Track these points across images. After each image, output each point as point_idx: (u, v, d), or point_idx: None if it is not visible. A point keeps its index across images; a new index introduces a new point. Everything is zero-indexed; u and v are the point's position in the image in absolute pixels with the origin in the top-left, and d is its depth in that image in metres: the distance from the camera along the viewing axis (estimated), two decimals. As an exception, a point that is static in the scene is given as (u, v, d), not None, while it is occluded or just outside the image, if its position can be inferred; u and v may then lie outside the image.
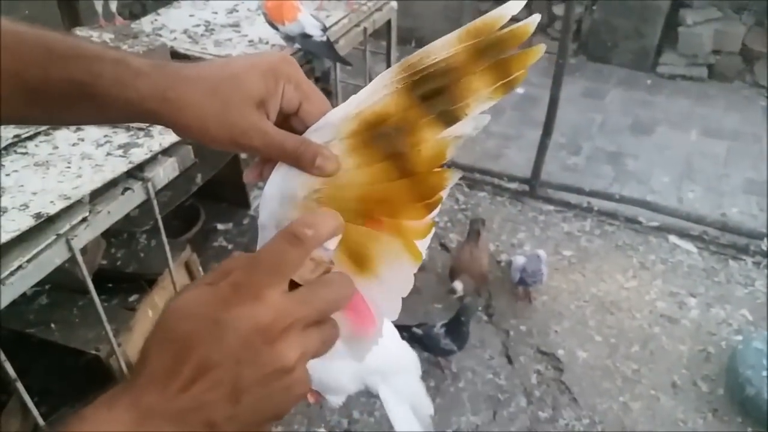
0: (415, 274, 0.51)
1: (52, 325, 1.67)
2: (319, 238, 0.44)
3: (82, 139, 1.41)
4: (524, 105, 3.98)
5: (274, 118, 0.52)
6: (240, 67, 0.51)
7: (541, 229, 3.00)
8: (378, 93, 0.48)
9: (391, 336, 0.85)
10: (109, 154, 1.36)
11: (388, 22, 2.33)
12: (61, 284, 1.71)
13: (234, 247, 2.58)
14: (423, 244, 0.52)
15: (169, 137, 1.41)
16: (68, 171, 1.31)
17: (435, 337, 2.19)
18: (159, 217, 1.44)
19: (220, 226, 2.72)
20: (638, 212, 3.01)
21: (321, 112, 0.52)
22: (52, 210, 1.18)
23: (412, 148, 0.47)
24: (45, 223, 1.17)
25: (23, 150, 1.37)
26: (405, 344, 0.91)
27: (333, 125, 0.50)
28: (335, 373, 0.88)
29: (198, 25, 2.03)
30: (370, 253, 0.49)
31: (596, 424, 2.16)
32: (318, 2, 2.15)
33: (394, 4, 2.30)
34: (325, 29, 1.81)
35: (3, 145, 1.36)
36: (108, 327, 1.41)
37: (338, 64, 2.05)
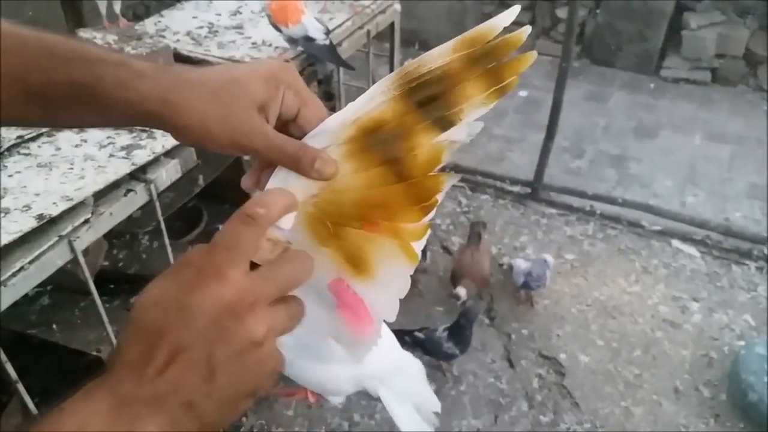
0: (417, 277, 0.51)
1: (54, 326, 1.67)
2: (271, 215, 0.45)
3: (85, 141, 1.42)
4: (527, 108, 3.98)
5: (273, 122, 0.52)
6: (242, 72, 0.52)
7: (543, 232, 2.99)
8: (375, 100, 0.49)
9: (387, 340, 0.86)
10: (111, 155, 1.36)
11: (392, 25, 2.33)
12: (62, 285, 1.71)
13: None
14: (418, 246, 0.52)
15: (172, 139, 1.41)
16: (71, 172, 1.31)
17: (437, 341, 2.18)
18: (161, 218, 1.44)
19: (222, 228, 2.72)
20: (641, 216, 3.01)
21: (319, 119, 0.53)
22: (55, 211, 1.18)
23: (408, 153, 0.49)
24: (47, 225, 1.17)
25: (26, 151, 1.37)
26: (404, 351, 0.91)
27: (330, 131, 0.51)
28: (333, 375, 0.88)
29: (201, 27, 2.03)
30: (367, 256, 0.50)
31: (598, 429, 2.15)
32: (322, 4, 2.15)
33: (398, 6, 2.30)
34: (328, 33, 1.81)
35: (6, 146, 1.36)
36: (109, 328, 1.41)
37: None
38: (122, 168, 1.33)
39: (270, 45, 1.92)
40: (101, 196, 1.28)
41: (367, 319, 0.53)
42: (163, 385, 0.38)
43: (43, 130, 1.42)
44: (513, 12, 0.48)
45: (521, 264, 2.52)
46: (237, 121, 0.50)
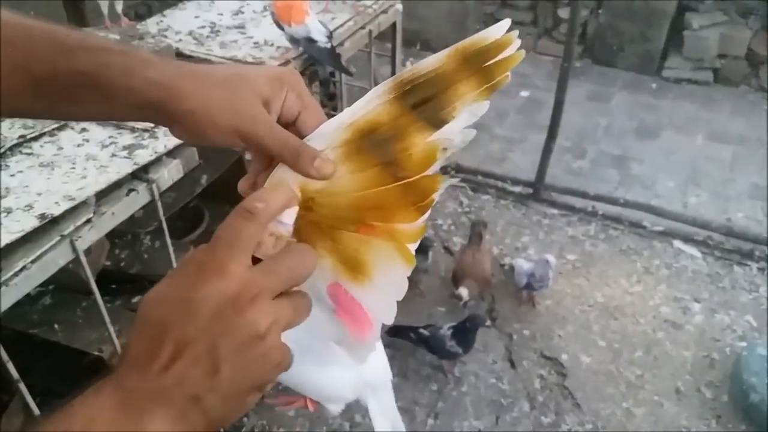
0: (418, 278, 0.51)
1: (56, 326, 1.67)
2: (271, 210, 0.45)
3: (87, 140, 1.41)
4: (529, 108, 3.98)
5: (275, 121, 0.53)
6: (248, 69, 0.53)
7: (545, 232, 2.99)
8: (371, 104, 0.50)
9: (380, 350, 0.86)
10: (113, 155, 1.36)
11: (393, 25, 2.33)
12: (64, 285, 1.71)
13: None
14: (412, 247, 0.53)
15: (174, 139, 1.40)
16: (73, 172, 1.30)
17: (441, 338, 2.19)
18: (163, 218, 1.44)
19: (222, 224, 2.72)
20: (643, 216, 3.00)
21: (317, 124, 0.53)
22: (57, 211, 1.18)
23: (402, 153, 0.49)
24: (49, 224, 1.17)
25: (28, 150, 1.37)
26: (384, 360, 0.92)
27: (326, 134, 0.51)
28: (334, 380, 0.88)
29: (203, 27, 2.03)
30: (363, 259, 0.50)
31: (599, 430, 2.15)
32: (323, 4, 2.15)
33: (400, 6, 2.30)
34: (330, 36, 1.81)
35: (8, 145, 1.36)
36: (111, 328, 1.41)
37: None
38: (124, 168, 1.32)
39: (272, 45, 1.92)
40: (103, 195, 1.28)
41: (365, 322, 0.53)
42: (168, 379, 0.38)
43: (46, 129, 1.42)
44: (504, 24, 0.50)
45: (523, 265, 2.52)
46: (243, 107, 0.50)
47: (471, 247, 2.51)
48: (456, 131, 0.50)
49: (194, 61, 1.81)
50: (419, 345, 2.29)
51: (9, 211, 1.17)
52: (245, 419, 2.14)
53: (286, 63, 1.81)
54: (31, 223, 1.15)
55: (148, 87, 0.49)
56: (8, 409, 1.55)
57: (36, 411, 1.29)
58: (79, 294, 1.71)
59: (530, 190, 3.19)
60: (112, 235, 1.80)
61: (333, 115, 0.53)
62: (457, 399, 2.25)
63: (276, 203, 0.46)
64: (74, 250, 1.20)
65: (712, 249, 2.88)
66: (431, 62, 0.50)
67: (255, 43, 1.94)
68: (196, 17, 2.11)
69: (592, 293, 2.66)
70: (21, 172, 1.30)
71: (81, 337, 1.63)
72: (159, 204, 1.39)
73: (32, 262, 1.13)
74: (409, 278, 0.52)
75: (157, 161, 1.38)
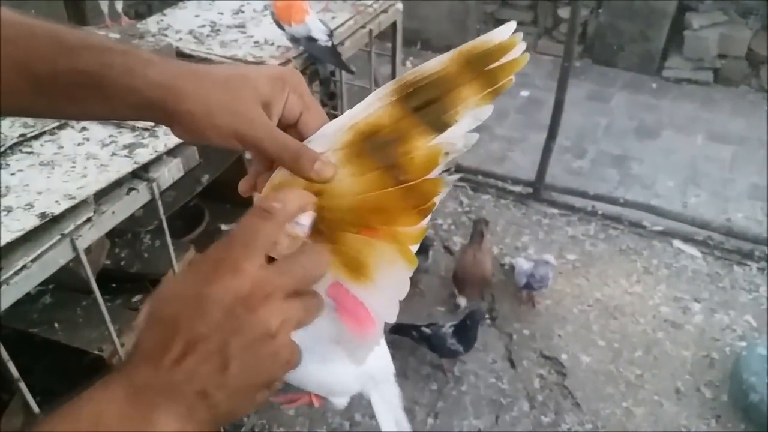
0: (418, 277, 0.51)
1: (56, 325, 1.67)
2: (288, 211, 0.46)
3: (88, 139, 1.41)
4: (529, 108, 3.98)
5: (275, 122, 0.52)
6: (249, 69, 0.52)
7: (545, 232, 2.99)
8: (372, 106, 0.50)
9: (383, 344, 0.86)
10: (114, 154, 1.36)
11: (394, 24, 2.33)
12: (64, 284, 1.71)
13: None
14: (414, 248, 0.53)
15: (174, 138, 1.40)
16: (73, 171, 1.30)
17: (442, 336, 2.20)
18: (163, 217, 1.44)
19: (224, 227, 2.72)
20: (643, 216, 3.01)
21: (318, 125, 0.53)
22: (57, 210, 1.18)
23: (404, 156, 0.49)
24: (49, 223, 1.17)
25: (28, 149, 1.37)
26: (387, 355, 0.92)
27: (328, 136, 0.51)
28: (338, 374, 0.88)
29: (204, 26, 2.03)
30: (366, 261, 0.50)
31: (599, 430, 2.15)
32: (324, 3, 2.15)
33: (400, 5, 2.30)
34: (331, 35, 1.81)
35: (8, 144, 1.36)
36: (111, 327, 1.41)
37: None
38: (125, 166, 1.32)
39: (272, 44, 1.92)
40: (103, 194, 1.28)
41: (368, 321, 0.53)
42: (178, 374, 0.38)
43: (46, 128, 1.42)
44: (509, 27, 0.50)
45: (523, 264, 2.52)
46: (243, 109, 0.50)
47: (472, 245, 2.51)
48: (458, 135, 0.49)
49: (194, 60, 1.81)
50: (421, 343, 2.29)
51: (9, 209, 1.17)
52: (245, 418, 2.14)
53: (287, 62, 1.81)
54: (31, 222, 1.15)
55: (149, 87, 0.49)
56: (8, 408, 1.55)
57: (36, 410, 1.29)
58: (79, 293, 1.71)
59: (530, 190, 3.19)
60: (113, 234, 1.80)
61: (334, 115, 0.53)
62: (456, 398, 2.25)
63: (294, 205, 0.46)
64: (74, 249, 1.20)
65: (712, 249, 2.88)
66: (434, 65, 0.50)
67: (255, 42, 1.94)
68: (197, 16, 2.11)
69: (591, 293, 2.66)
70: (21, 170, 1.30)
71: (81, 336, 1.63)
72: (159, 203, 1.39)
73: (32, 261, 1.13)
74: (409, 278, 0.52)
75: (157, 160, 1.38)
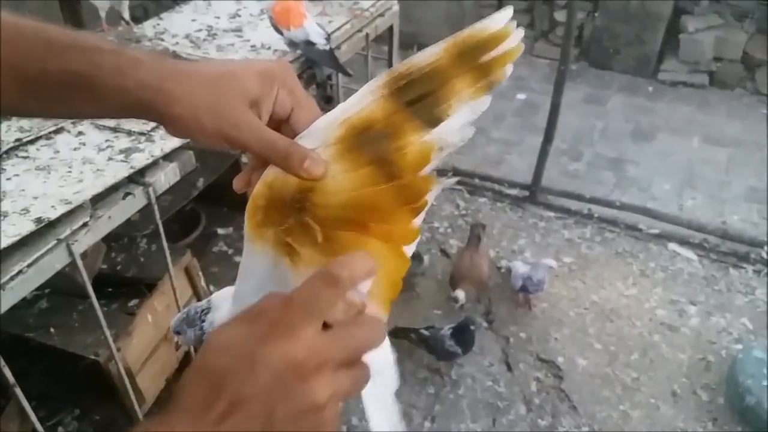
0: (415, 281, 0.51)
1: (52, 330, 1.67)
2: (353, 279, 0.44)
3: (84, 144, 1.41)
4: (525, 111, 3.99)
5: (266, 120, 0.52)
6: (237, 66, 0.52)
7: (541, 235, 2.99)
8: (365, 100, 0.49)
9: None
10: (110, 158, 1.36)
11: (390, 28, 2.33)
12: (61, 289, 1.71)
13: (234, 251, 2.58)
14: (409, 249, 0.52)
15: (170, 142, 1.41)
16: (69, 175, 1.30)
17: (440, 338, 2.21)
18: (160, 221, 1.44)
19: (220, 231, 2.72)
20: (639, 219, 3.01)
21: (311, 120, 0.53)
22: (53, 215, 1.18)
23: (397, 152, 0.48)
24: (46, 228, 1.17)
25: (24, 154, 1.37)
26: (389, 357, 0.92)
27: (320, 132, 0.51)
28: None
29: (200, 30, 2.03)
30: None
31: (596, 432, 2.16)
32: (320, 7, 2.15)
33: (396, 9, 2.30)
34: (328, 38, 1.82)
35: (4, 149, 1.36)
36: (107, 332, 1.41)
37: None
38: (121, 171, 1.33)
39: (269, 48, 1.92)
40: (100, 199, 1.28)
41: None
42: None
43: (42, 132, 1.42)
44: (504, 15, 0.49)
45: (520, 267, 2.52)
46: (227, 112, 0.49)
47: (469, 249, 2.51)
48: (452, 130, 0.49)
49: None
50: (419, 345, 2.29)
51: (5, 215, 1.17)
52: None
53: (283, 66, 1.81)
54: (27, 227, 1.15)
55: (138, 87, 0.49)
56: (4, 413, 1.55)
57: (32, 415, 1.29)
58: (75, 298, 1.70)
59: (527, 193, 3.19)
60: (109, 239, 1.80)
61: (330, 116, 0.52)
62: (453, 402, 2.25)
63: (360, 273, 0.45)
64: (71, 253, 1.20)
65: (708, 252, 2.89)
66: (427, 56, 0.49)
67: (252, 46, 1.94)
68: (193, 20, 2.11)
69: (588, 296, 2.66)
70: (17, 175, 1.30)
71: (77, 341, 1.63)
72: (155, 207, 1.39)
73: (28, 266, 1.13)
74: (406, 281, 0.51)
75: (153, 165, 1.38)
